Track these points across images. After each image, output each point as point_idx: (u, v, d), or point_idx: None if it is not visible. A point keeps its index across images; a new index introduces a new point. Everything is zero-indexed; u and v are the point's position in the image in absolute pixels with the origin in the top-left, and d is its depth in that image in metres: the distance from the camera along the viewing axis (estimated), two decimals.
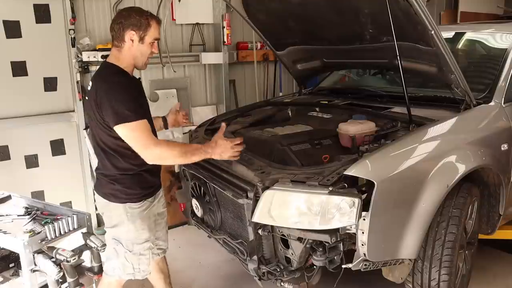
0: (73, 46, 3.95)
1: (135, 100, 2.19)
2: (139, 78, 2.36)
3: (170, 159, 2.26)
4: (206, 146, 2.31)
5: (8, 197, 2.87)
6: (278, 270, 2.41)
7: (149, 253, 2.42)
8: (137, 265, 2.40)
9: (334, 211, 2.11)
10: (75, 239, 2.45)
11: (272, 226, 2.33)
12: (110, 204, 2.35)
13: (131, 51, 2.25)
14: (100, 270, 2.43)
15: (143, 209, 2.36)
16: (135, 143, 2.17)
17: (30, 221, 2.55)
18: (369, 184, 2.17)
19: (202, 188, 2.84)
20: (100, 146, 2.31)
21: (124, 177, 2.30)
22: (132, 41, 2.23)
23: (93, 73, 4.08)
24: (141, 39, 2.23)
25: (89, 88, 2.30)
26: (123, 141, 2.20)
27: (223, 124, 2.43)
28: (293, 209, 2.19)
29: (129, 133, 2.16)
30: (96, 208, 4.27)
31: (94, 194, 2.46)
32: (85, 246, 2.39)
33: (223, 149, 2.31)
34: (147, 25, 2.22)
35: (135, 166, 2.29)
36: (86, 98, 2.33)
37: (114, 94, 2.16)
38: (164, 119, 2.74)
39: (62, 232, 2.43)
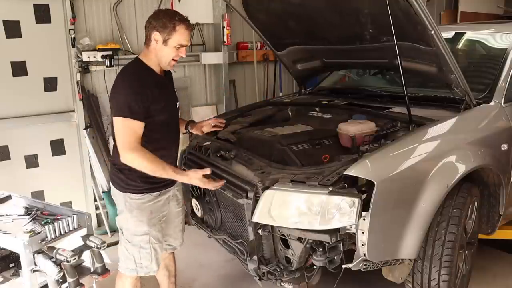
0: (73, 46, 3.96)
1: (139, 98, 2.22)
2: (170, 75, 2.46)
3: (137, 166, 2.26)
4: (181, 175, 2.33)
5: (8, 197, 2.87)
6: (278, 270, 2.41)
7: (150, 248, 2.43)
8: (138, 259, 2.43)
9: (334, 211, 2.11)
10: (75, 239, 2.45)
11: (272, 226, 2.33)
12: (116, 191, 2.45)
13: (156, 50, 2.31)
14: (104, 271, 2.43)
15: (143, 201, 2.39)
16: (118, 139, 2.26)
17: (30, 221, 2.55)
18: (369, 184, 2.16)
19: (202, 188, 2.84)
20: (113, 134, 2.38)
21: (127, 167, 2.34)
22: (156, 41, 2.28)
23: (93, 73, 4.13)
24: (165, 41, 2.27)
25: None
26: None
27: (208, 169, 2.39)
28: (293, 209, 2.19)
29: (118, 127, 2.23)
30: (96, 208, 4.29)
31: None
32: (85, 246, 2.39)
33: (195, 181, 2.34)
34: (172, 29, 2.25)
35: None
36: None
37: (124, 86, 2.25)
38: (189, 122, 2.85)
39: (62, 232, 2.43)
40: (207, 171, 2.35)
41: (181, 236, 2.74)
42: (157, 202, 2.44)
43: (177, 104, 2.54)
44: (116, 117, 2.22)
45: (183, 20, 2.29)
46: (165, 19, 2.26)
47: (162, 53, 2.30)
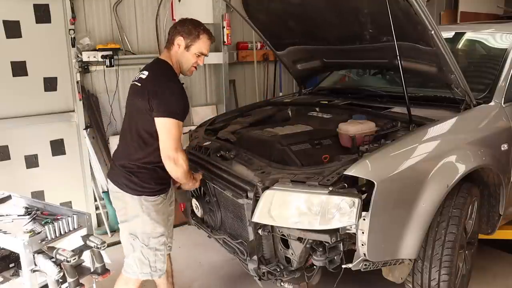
0: (73, 46, 3.96)
1: (181, 98, 2.33)
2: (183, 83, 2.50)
3: (178, 170, 2.33)
4: (192, 180, 2.53)
5: (8, 197, 2.87)
6: (278, 270, 2.41)
7: (164, 249, 2.49)
8: (153, 262, 2.45)
9: (334, 211, 2.11)
10: (75, 239, 2.45)
11: (272, 226, 2.33)
12: (126, 196, 2.41)
13: (177, 55, 2.40)
14: (104, 271, 2.42)
15: (157, 203, 2.43)
16: (168, 139, 2.27)
17: (30, 221, 2.55)
18: (369, 184, 2.16)
19: (202, 188, 2.84)
20: (134, 134, 2.38)
21: (141, 170, 2.38)
22: (179, 46, 2.38)
23: (93, 73, 4.13)
24: (187, 47, 2.38)
25: (142, 76, 2.39)
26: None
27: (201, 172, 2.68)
28: (293, 209, 2.19)
29: (168, 128, 2.26)
30: (96, 208, 4.28)
31: (107, 182, 2.57)
32: (85, 246, 2.39)
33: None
34: (196, 37, 2.37)
35: (154, 160, 2.36)
36: (138, 84, 2.39)
37: (174, 91, 2.31)
38: None
39: (62, 232, 2.43)
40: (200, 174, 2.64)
41: (172, 234, 2.78)
42: (166, 203, 2.51)
43: None
44: (165, 118, 2.25)
45: (207, 30, 2.43)
46: (191, 26, 2.38)
47: (182, 58, 2.40)
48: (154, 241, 2.43)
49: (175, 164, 2.30)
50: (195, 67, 2.46)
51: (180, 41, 2.37)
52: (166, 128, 2.26)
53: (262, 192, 2.24)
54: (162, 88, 2.29)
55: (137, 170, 2.38)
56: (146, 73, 2.39)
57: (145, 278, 2.51)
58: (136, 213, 2.41)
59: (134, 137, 2.38)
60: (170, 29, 2.45)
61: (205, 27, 2.43)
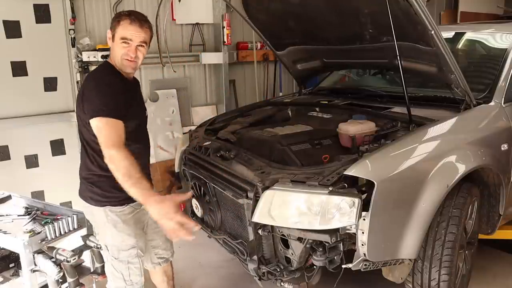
0: (73, 46, 3.97)
1: (114, 98, 2.11)
2: (138, 82, 2.32)
3: (115, 169, 2.00)
4: (153, 195, 1.95)
5: (8, 197, 2.88)
6: (278, 270, 2.41)
7: (139, 262, 2.33)
8: (127, 276, 2.31)
9: (334, 211, 2.11)
10: (75, 239, 2.45)
11: (272, 226, 2.33)
12: (92, 208, 2.28)
13: (111, 50, 2.26)
14: (103, 271, 2.42)
15: (125, 213, 2.28)
16: (100, 138, 2.07)
17: (30, 221, 2.56)
18: (369, 184, 2.16)
19: (202, 188, 2.84)
20: (82, 143, 2.27)
21: (101, 179, 2.22)
22: (109, 39, 2.24)
23: None
24: (113, 37, 2.21)
25: None
26: None
27: (189, 193, 2.25)
28: (293, 209, 2.19)
29: (99, 127, 2.06)
30: None
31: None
32: (85, 246, 2.39)
33: (165, 213, 1.88)
34: (116, 24, 2.18)
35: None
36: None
37: (96, 88, 2.14)
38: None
39: (62, 232, 2.44)
40: (188, 195, 2.21)
41: (170, 245, 2.64)
42: (138, 212, 2.34)
43: (146, 113, 2.44)
44: (94, 118, 2.05)
45: (131, 14, 2.19)
46: (115, 16, 2.23)
47: (112, 50, 2.22)
48: (124, 254, 2.27)
49: (110, 162, 2.00)
50: (129, 60, 2.19)
51: (108, 34, 2.21)
52: (96, 128, 2.06)
53: (262, 192, 2.24)
54: (87, 87, 2.16)
55: (98, 179, 2.23)
56: None
57: None
58: (103, 225, 2.26)
59: (86, 147, 2.24)
60: None
61: (132, 12, 2.22)
